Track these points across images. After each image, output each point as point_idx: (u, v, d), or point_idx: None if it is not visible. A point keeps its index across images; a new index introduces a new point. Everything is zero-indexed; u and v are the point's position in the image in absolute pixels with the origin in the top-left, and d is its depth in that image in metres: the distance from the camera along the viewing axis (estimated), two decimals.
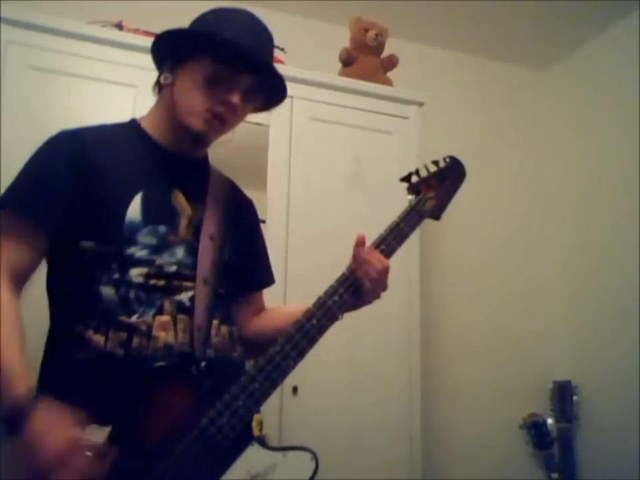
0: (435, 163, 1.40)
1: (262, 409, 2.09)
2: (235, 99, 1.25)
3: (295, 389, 2.15)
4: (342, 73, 2.59)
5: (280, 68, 2.38)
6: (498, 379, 2.95)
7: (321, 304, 1.22)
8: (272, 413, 2.11)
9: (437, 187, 1.38)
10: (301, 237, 2.30)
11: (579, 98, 3.19)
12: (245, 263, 1.42)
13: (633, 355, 2.64)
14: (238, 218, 1.41)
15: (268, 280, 1.55)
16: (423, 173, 1.39)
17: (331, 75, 2.55)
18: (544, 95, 3.36)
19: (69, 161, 1.22)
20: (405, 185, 1.39)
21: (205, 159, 1.42)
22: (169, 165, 1.31)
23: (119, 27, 2.25)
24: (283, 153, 2.35)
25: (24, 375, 1.07)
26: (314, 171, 2.38)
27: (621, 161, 2.89)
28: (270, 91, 1.36)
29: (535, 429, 2.76)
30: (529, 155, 3.30)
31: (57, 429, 1.01)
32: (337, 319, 1.23)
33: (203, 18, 1.32)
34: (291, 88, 2.36)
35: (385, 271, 1.29)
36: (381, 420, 2.26)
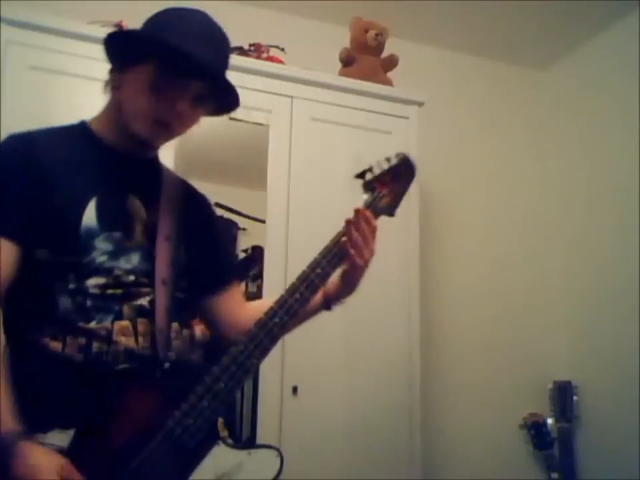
0: (388, 159, 1.40)
1: (261, 408, 2.11)
2: (181, 107, 1.21)
3: (294, 389, 2.15)
4: (342, 73, 2.59)
5: (280, 68, 2.40)
6: (498, 379, 2.95)
7: (282, 302, 1.21)
8: (272, 413, 2.11)
9: (390, 184, 1.38)
10: (301, 237, 2.29)
11: (579, 98, 3.19)
12: (210, 260, 1.40)
13: (633, 354, 2.64)
14: (194, 218, 1.38)
15: (234, 276, 1.52)
16: (377, 170, 1.39)
17: (331, 75, 2.54)
18: (544, 94, 3.36)
19: (23, 168, 1.19)
20: (360, 182, 1.40)
21: (156, 159, 1.39)
22: (120, 167, 1.28)
23: (119, 27, 2.24)
24: (283, 153, 2.35)
25: (8, 411, 1.04)
26: (314, 170, 2.38)
27: (621, 161, 2.89)
28: (221, 97, 1.29)
29: (535, 429, 2.76)
30: (528, 154, 3.30)
31: (47, 458, 1.01)
32: (297, 314, 1.22)
33: (154, 19, 1.27)
34: (290, 88, 2.40)
35: (372, 231, 1.31)
36: (381, 420, 2.26)
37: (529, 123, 3.33)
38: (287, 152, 2.36)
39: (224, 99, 1.30)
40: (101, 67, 2.11)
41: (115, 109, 1.28)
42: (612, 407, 2.74)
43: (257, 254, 2.39)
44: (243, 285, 1.53)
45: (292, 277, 2.20)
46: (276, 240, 2.27)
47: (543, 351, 3.06)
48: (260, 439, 2.09)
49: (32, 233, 1.17)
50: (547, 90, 3.36)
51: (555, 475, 2.67)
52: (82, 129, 1.32)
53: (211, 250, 1.43)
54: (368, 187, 1.39)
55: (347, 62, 2.60)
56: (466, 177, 3.13)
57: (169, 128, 1.24)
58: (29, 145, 1.23)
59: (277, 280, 2.22)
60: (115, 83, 1.27)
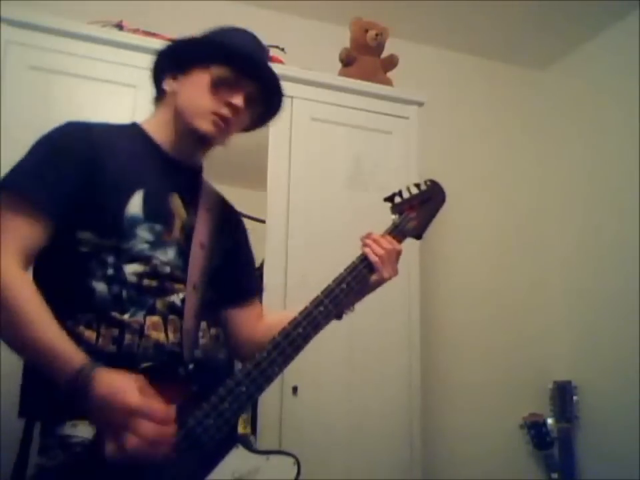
0: (417, 185, 1.48)
1: (261, 408, 2.11)
2: (239, 100, 1.31)
3: (294, 389, 2.15)
4: (342, 73, 2.59)
5: (280, 68, 2.40)
6: (498, 379, 2.95)
7: (307, 313, 1.26)
8: (272, 413, 2.11)
9: (418, 208, 1.45)
10: (301, 237, 2.30)
11: (579, 98, 3.19)
12: (236, 272, 1.46)
13: (633, 354, 2.64)
14: (227, 230, 1.44)
15: (256, 290, 1.59)
16: (406, 195, 1.46)
17: (331, 74, 2.54)
18: (544, 94, 3.36)
19: (79, 152, 1.24)
20: (389, 205, 1.47)
21: (200, 170, 1.47)
22: (169, 168, 1.35)
23: (119, 26, 2.25)
24: (283, 153, 2.35)
25: (73, 346, 1.09)
26: (314, 170, 2.37)
27: (621, 161, 2.89)
28: (267, 103, 1.42)
29: (534, 428, 2.76)
30: (528, 154, 3.30)
31: (124, 389, 1.05)
32: (321, 328, 1.27)
33: (206, 33, 1.39)
34: (290, 88, 2.38)
35: (396, 252, 1.37)
36: (381, 420, 2.26)
37: (528, 123, 3.33)
38: (287, 152, 2.36)
39: (268, 106, 1.43)
40: (101, 67, 2.13)
41: (172, 113, 1.36)
42: (612, 407, 2.74)
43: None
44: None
45: (292, 277, 2.22)
46: (276, 240, 2.27)
47: (543, 351, 3.06)
48: (260, 439, 2.09)
49: (77, 214, 1.21)
50: (546, 90, 3.37)
51: (554, 475, 2.67)
52: (135, 128, 1.39)
53: (240, 265, 1.50)
54: (396, 209, 1.46)
55: (347, 62, 2.60)
56: (466, 176, 3.13)
57: (227, 122, 1.32)
58: (85, 132, 1.28)
59: (276, 280, 2.22)
60: (172, 89, 1.36)
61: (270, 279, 2.22)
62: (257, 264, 2.35)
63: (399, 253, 1.38)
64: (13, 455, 1.19)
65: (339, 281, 1.31)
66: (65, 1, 2.43)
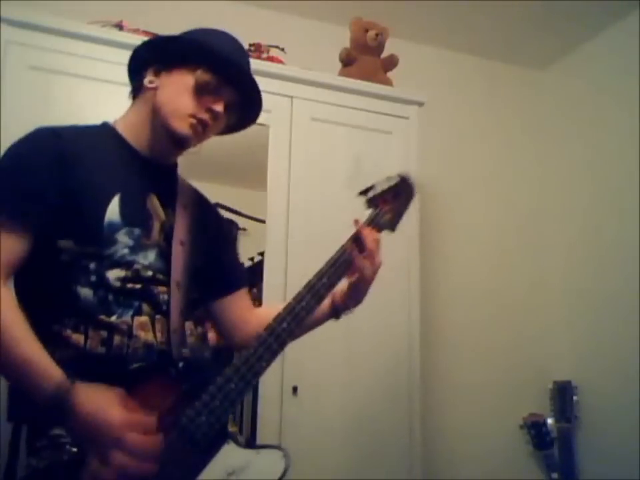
0: (389, 178, 1.48)
1: (261, 408, 2.11)
2: (220, 107, 1.31)
3: (295, 389, 2.15)
4: (342, 73, 2.59)
5: (280, 68, 2.40)
6: (498, 379, 2.95)
7: (290, 309, 1.26)
8: (272, 413, 2.11)
9: (392, 201, 1.46)
10: (301, 237, 2.30)
11: (579, 98, 3.19)
12: (219, 265, 1.47)
13: (633, 355, 2.64)
14: (205, 225, 1.44)
15: (243, 281, 1.58)
16: (379, 189, 1.47)
17: (331, 74, 2.54)
18: (544, 94, 3.36)
19: (51, 160, 1.22)
20: (363, 199, 1.49)
21: (175, 167, 1.46)
22: (143, 169, 1.34)
23: (119, 27, 2.24)
24: (283, 153, 2.35)
25: (52, 364, 1.09)
26: (314, 170, 2.38)
27: (621, 161, 2.89)
28: (245, 111, 1.41)
29: (535, 428, 2.76)
30: (528, 154, 3.30)
31: (106, 406, 1.05)
32: (303, 322, 1.27)
33: (189, 33, 1.38)
34: (291, 88, 2.40)
35: (377, 244, 1.37)
36: (381, 420, 2.26)
37: (528, 123, 3.33)
38: (287, 152, 2.36)
39: (245, 113, 1.42)
40: (101, 67, 2.13)
41: (148, 110, 1.34)
42: (612, 407, 2.74)
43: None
44: (249, 291, 1.59)
45: (292, 277, 2.22)
46: (276, 240, 2.27)
47: (543, 351, 3.06)
48: (260, 439, 2.09)
49: (55, 223, 1.20)
50: (546, 90, 3.36)
51: (554, 475, 2.67)
52: (107, 129, 1.37)
53: (220, 255, 1.49)
54: (371, 203, 1.47)
55: (347, 62, 2.60)
56: (466, 176, 3.13)
57: (206, 127, 1.32)
58: (57, 138, 1.26)
59: (276, 280, 2.22)
60: (152, 85, 1.33)
61: (270, 279, 2.22)
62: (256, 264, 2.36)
63: (378, 245, 1.38)
64: (2, 458, 1.19)
65: (319, 275, 1.30)
66: (65, 1, 2.43)
